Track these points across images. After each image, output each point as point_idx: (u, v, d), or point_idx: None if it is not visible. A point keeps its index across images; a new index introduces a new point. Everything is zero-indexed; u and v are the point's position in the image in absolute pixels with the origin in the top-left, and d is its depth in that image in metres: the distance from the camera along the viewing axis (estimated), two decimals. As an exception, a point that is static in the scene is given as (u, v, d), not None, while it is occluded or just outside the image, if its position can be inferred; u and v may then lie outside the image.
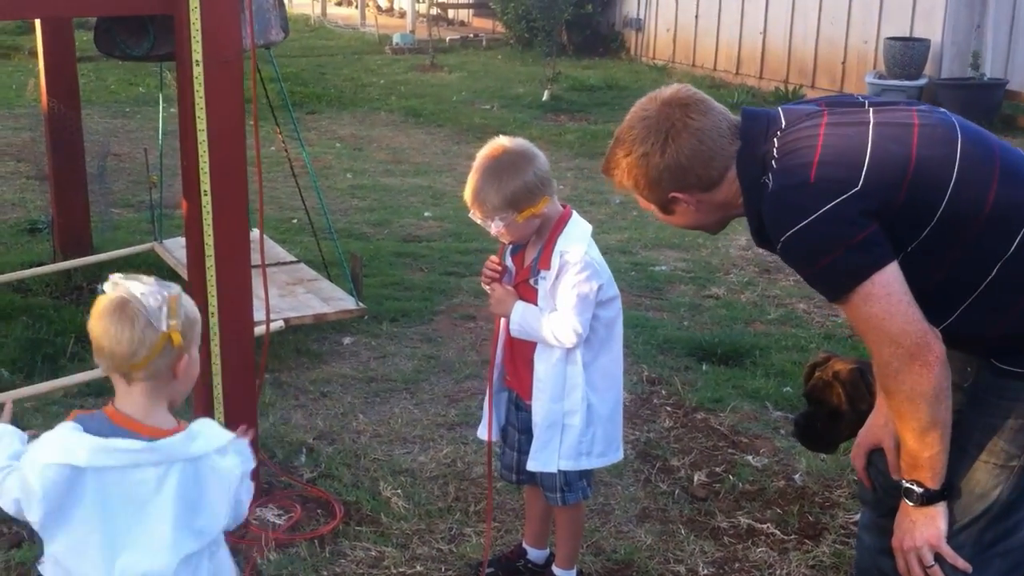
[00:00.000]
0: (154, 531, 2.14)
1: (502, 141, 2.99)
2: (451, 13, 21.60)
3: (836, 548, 3.64)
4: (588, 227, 3.10)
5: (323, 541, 3.62)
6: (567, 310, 2.98)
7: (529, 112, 12.03)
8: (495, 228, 2.98)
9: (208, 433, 2.21)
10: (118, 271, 6.10)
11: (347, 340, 5.45)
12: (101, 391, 4.56)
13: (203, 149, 3.48)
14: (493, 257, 3.17)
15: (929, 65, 11.37)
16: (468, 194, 2.98)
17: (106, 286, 2.15)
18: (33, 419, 4.23)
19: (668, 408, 4.70)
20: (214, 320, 3.64)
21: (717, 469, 4.17)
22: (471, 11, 20.99)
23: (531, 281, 3.09)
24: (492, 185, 2.93)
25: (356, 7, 22.51)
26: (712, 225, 2.60)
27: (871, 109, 2.41)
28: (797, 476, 4.11)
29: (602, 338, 3.09)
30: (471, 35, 18.77)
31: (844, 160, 2.29)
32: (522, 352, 3.16)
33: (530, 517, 3.45)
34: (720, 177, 2.43)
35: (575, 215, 3.10)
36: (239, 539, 3.60)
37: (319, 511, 3.81)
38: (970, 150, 2.32)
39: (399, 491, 3.92)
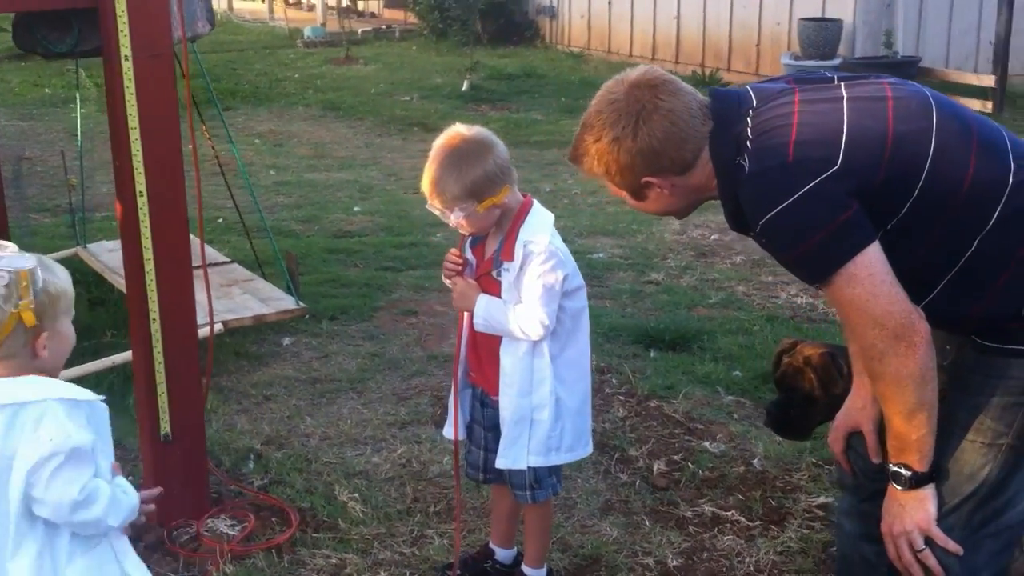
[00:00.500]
0: None
1: (460, 129, 2.89)
2: (361, 5, 21.35)
3: (802, 532, 3.62)
4: (551, 216, 3.02)
5: (281, 550, 3.48)
6: (533, 301, 2.89)
7: (450, 102, 11.93)
8: (454, 219, 2.88)
9: (57, 385, 2.06)
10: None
11: (287, 341, 5.30)
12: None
13: (136, 148, 3.32)
14: (453, 250, 3.06)
15: (843, 45, 11.53)
16: (426, 184, 2.87)
17: None
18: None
19: (621, 397, 4.65)
20: (156, 326, 3.48)
21: (676, 457, 4.13)
22: (381, 2, 20.77)
23: (493, 273, 2.99)
24: (451, 174, 2.83)
25: (263, 1, 22.12)
26: (683, 210, 2.53)
27: (842, 84, 2.36)
28: (756, 461, 4.09)
29: (568, 329, 3.01)
30: (383, 27, 18.57)
31: (821, 138, 2.23)
32: (487, 346, 3.06)
33: (497, 516, 3.36)
34: (694, 159, 2.36)
35: (536, 204, 3.01)
36: (192, 552, 3.46)
37: (274, 519, 3.68)
38: (946, 124, 2.28)
39: (355, 495, 3.79)
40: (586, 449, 3.11)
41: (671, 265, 6.54)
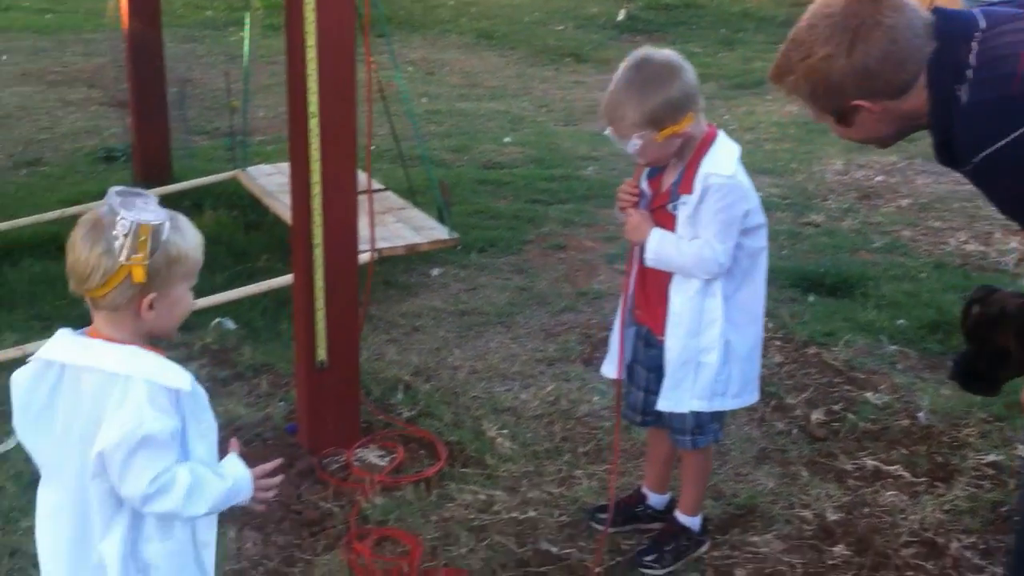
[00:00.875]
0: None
1: (647, 51, 2.75)
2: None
3: (971, 491, 3.43)
4: (736, 148, 2.85)
5: (429, 484, 3.47)
6: (709, 238, 2.75)
7: (604, 33, 11.65)
8: (631, 147, 2.75)
9: (149, 365, 1.96)
10: (200, 200, 5.90)
11: (435, 271, 5.28)
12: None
13: (312, 67, 3.27)
14: (629, 180, 2.93)
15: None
16: (605, 109, 2.76)
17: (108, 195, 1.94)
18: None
19: (778, 342, 4.47)
20: (319, 251, 3.47)
21: (835, 407, 3.95)
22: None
23: (670, 207, 2.85)
24: (632, 100, 2.70)
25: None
26: (890, 138, 2.32)
27: None
28: (921, 414, 3.89)
29: (745, 269, 2.86)
30: (538, -47, 18.26)
31: None
32: (656, 283, 2.93)
33: (652, 460, 3.26)
34: (910, 83, 2.16)
35: (722, 135, 2.85)
36: (342, 481, 3.47)
37: (422, 452, 3.66)
38: None
39: (504, 431, 3.75)
40: (752, 396, 2.98)
41: (832, 207, 6.26)
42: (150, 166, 6.25)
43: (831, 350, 4.39)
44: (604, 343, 4.40)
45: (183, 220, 1.99)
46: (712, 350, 2.85)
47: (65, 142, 7.78)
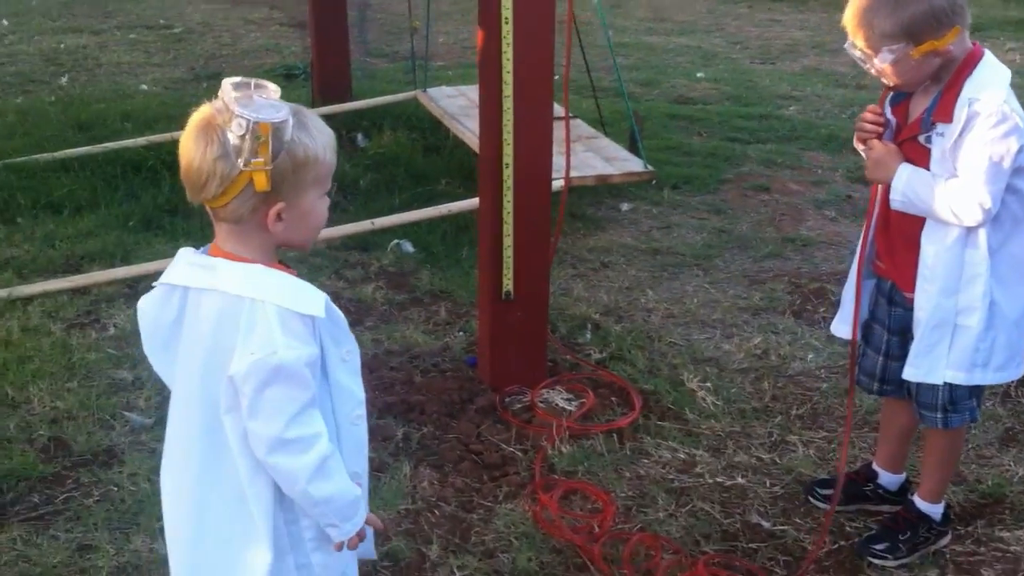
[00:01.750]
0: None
1: None
2: None
3: None
4: (1006, 72, 2.35)
5: (622, 435, 3.10)
6: (973, 176, 2.26)
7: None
8: (879, 63, 2.28)
9: (278, 286, 1.62)
10: (379, 120, 5.56)
11: (625, 206, 4.89)
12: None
13: (508, -32, 2.91)
14: (872, 107, 2.46)
15: None
16: (851, 15, 2.28)
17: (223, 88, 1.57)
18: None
19: None
20: (508, 172, 3.13)
21: (1093, 387, 3.41)
22: None
23: (922, 138, 2.37)
24: (887, 4, 2.23)
25: None
26: None
27: None
28: None
29: (1016, 217, 2.36)
30: None
31: None
32: (902, 230, 2.46)
33: (887, 435, 2.80)
34: None
35: (988, 55, 2.35)
36: (526, 424, 3.13)
37: (613, 399, 3.29)
38: None
39: (706, 384, 3.34)
40: (1019, 370, 2.47)
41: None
42: (329, 85, 6.04)
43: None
44: (817, 294, 3.97)
45: (310, 116, 1.63)
46: (973, 311, 2.37)
47: (245, 59, 7.67)
